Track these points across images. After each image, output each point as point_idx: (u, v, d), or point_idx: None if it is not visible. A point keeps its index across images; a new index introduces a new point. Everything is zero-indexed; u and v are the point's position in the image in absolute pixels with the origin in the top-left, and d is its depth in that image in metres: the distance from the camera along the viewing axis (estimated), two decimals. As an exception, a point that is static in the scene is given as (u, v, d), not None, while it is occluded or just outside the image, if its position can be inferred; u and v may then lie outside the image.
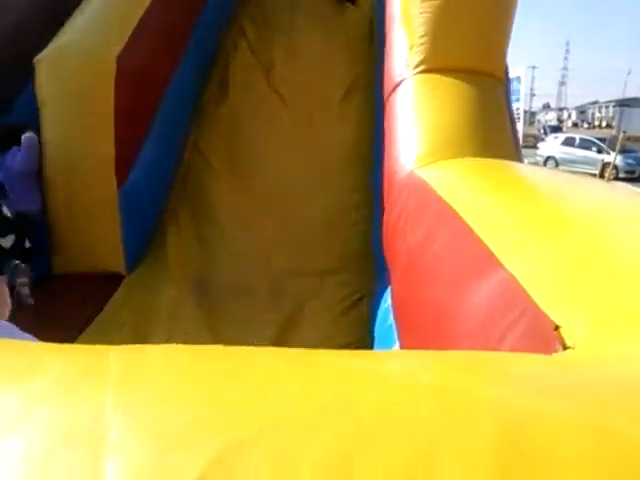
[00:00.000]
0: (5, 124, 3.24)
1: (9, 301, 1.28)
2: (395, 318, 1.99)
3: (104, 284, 3.21)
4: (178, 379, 0.59)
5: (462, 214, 1.68)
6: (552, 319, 0.92)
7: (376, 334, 2.51)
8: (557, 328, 0.88)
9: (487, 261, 1.31)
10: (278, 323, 3.08)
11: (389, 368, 0.64)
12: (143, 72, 3.13)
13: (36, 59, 2.95)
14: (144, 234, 3.51)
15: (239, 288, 3.31)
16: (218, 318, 3.09)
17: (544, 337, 0.90)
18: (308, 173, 3.85)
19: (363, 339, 2.78)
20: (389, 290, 2.36)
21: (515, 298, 1.08)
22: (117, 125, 2.98)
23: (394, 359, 0.71)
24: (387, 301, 2.35)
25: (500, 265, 1.25)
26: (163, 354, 0.64)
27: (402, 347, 1.81)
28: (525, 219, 1.53)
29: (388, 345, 2.07)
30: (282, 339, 2.97)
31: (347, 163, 3.91)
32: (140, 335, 2.88)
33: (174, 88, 3.49)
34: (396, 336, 1.96)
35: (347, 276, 3.33)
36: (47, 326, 2.78)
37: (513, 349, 0.98)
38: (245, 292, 3.28)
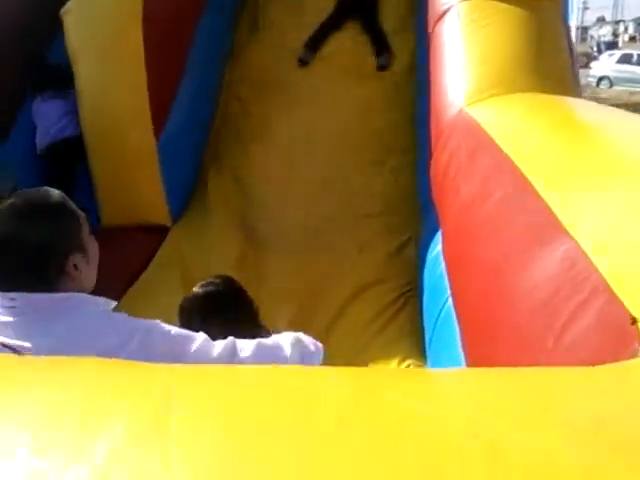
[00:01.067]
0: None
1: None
2: (447, 272, 1.90)
3: (150, 237, 3.24)
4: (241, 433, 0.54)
5: (519, 164, 1.54)
6: (627, 308, 0.82)
7: (426, 282, 2.44)
8: (635, 322, 0.78)
9: (550, 225, 1.19)
10: (323, 266, 3.04)
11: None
12: (170, 13, 2.97)
13: (62, 11, 2.84)
14: (186, 183, 3.49)
15: (283, 233, 3.27)
16: (264, 263, 3.08)
17: (617, 330, 0.80)
18: (349, 112, 3.67)
19: (413, 282, 2.73)
20: (439, 235, 2.25)
21: (583, 275, 0.97)
22: (149, 70, 2.88)
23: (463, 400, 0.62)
24: (437, 246, 2.26)
25: (565, 231, 1.13)
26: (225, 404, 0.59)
27: (455, 305, 1.73)
28: (590, 170, 1.38)
29: (439, 296, 2.00)
30: (326, 284, 2.95)
31: (389, 101, 3.70)
32: (187, 286, 2.91)
33: (203, 28, 3.33)
34: (448, 289, 1.88)
35: (394, 218, 3.23)
36: (98, 279, 2.90)
37: (579, 340, 0.88)
38: (289, 237, 3.24)
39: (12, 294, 0.99)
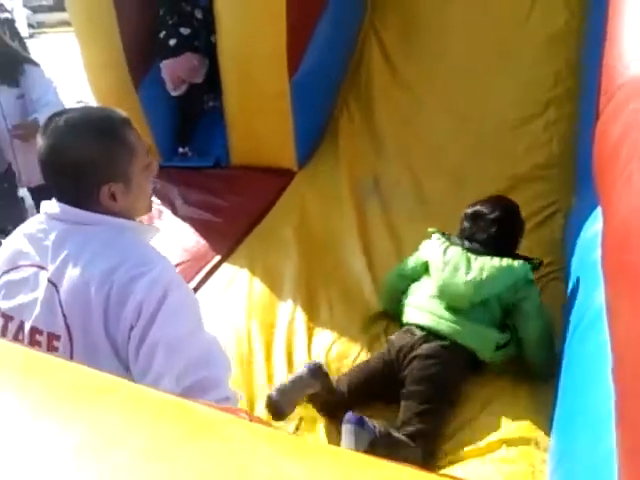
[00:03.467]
0: None
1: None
2: (604, 267, 1.55)
3: (276, 180, 3.20)
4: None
5: None
6: None
7: (575, 263, 2.07)
8: None
9: None
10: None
11: None
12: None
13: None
14: (315, 128, 3.37)
15: (412, 187, 3.04)
16: (392, 216, 2.90)
17: None
18: (496, 61, 3.26)
19: (557, 262, 2.39)
20: (598, 212, 1.88)
21: None
22: (289, 15, 2.74)
23: None
24: (593, 225, 1.90)
25: None
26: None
27: (611, 326, 1.39)
28: None
29: (591, 287, 1.65)
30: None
31: (546, 50, 3.21)
32: (305, 232, 2.84)
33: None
34: (602, 286, 1.54)
35: (541, 185, 2.84)
36: (222, 216, 2.96)
37: None
38: (418, 192, 3.01)
39: (58, 204, 1.04)
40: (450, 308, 1.91)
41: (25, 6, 22.54)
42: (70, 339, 0.99)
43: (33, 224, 1.09)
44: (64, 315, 0.99)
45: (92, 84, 3.66)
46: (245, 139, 3.28)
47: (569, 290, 1.96)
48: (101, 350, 0.98)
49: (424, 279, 2.05)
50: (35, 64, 2.91)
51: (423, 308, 1.96)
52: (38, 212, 3.16)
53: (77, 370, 0.61)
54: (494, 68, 3.26)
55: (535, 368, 1.88)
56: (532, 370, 1.89)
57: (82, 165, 1.01)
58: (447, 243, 2.02)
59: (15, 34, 8.82)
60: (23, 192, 3.32)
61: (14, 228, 2.61)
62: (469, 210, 2.08)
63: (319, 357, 2.04)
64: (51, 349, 0.99)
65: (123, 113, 1.08)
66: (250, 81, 3.06)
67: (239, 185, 3.23)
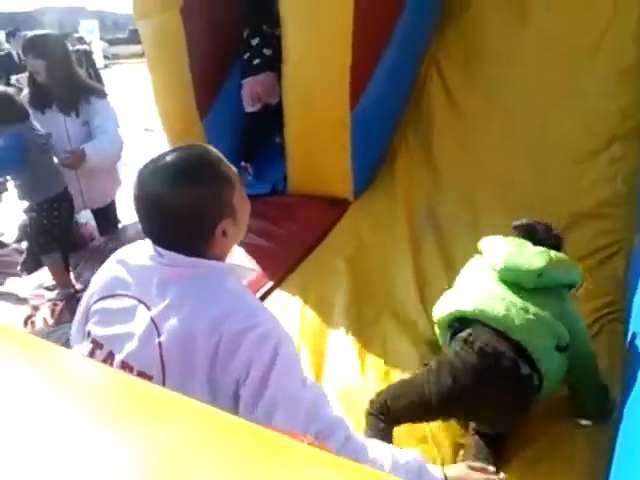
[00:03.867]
0: None
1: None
2: None
3: (332, 209, 3.25)
4: None
5: None
6: None
7: (635, 308, 1.99)
8: None
9: None
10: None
11: None
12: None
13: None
14: (373, 160, 3.41)
15: (469, 219, 3.01)
16: (448, 249, 2.86)
17: None
18: (562, 93, 3.21)
19: (618, 302, 2.30)
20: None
21: None
22: (354, 45, 2.81)
23: None
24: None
25: None
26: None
27: None
28: None
29: None
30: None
31: (614, 85, 3.14)
32: (361, 258, 2.85)
33: (412, 7, 3.11)
34: None
35: (604, 222, 2.75)
36: (277, 243, 3.01)
37: None
38: (475, 225, 2.96)
39: (160, 249, 1.03)
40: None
41: (102, 39, 24.14)
42: (163, 381, 0.97)
43: (134, 256, 1.09)
44: (162, 358, 0.97)
45: (160, 111, 3.85)
46: (303, 167, 3.35)
47: (630, 333, 1.88)
48: (196, 394, 0.94)
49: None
50: (101, 95, 3.06)
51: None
52: (101, 234, 3.27)
53: (148, 387, 0.64)
54: (559, 100, 3.21)
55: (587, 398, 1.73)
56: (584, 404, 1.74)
57: (196, 213, 1.00)
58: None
59: (91, 65, 9.44)
60: (86, 214, 3.50)
61: (59, 249, 2.72)
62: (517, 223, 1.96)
63: (370, 386, 2.01)
64: None
65: (213, 149, 1.09)
66: (312, 109, 3.15)
67: (295, 213, 3.29)
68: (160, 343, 0.97)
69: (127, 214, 3.66)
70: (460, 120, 3.43)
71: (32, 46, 2.86)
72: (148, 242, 1.07)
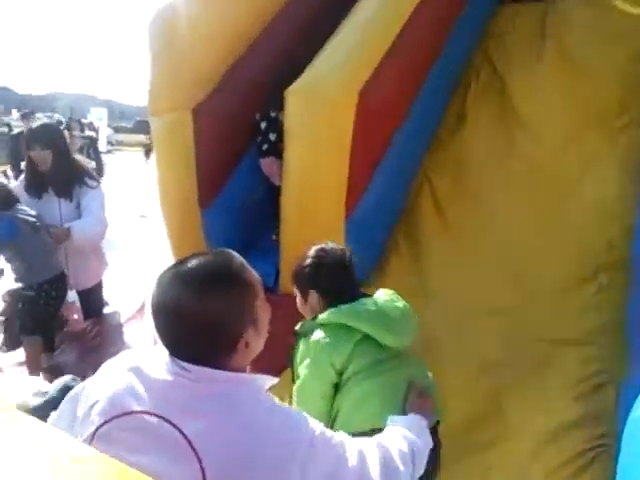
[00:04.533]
0: None
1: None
2: None
3: (321, 311, 3.23)
4: None
5: None
6: None
7: (625, 444, 1.96)
8: None
9: None
10: (496, 387, 2.70)
11: None
12: (382, 106, 3.06)
13: (287, 90, 3.08)
14: (364, 266, 3.44)
15: (457, 341, 3.00)
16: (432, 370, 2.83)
17: None
18: (547, 221, 3.35)
19: (608, 435, 2.25)
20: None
21: None
22: (352, 159, 2.96)
23: None
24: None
25: None
26: None
27: None
28: None
29: None
30: (498, 408, 2.59)
31: (599, 214, 3.29)
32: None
33: (411, 122, 3.34)
34: None
35: (590, 350, 2.76)
36: (267, 346, 2.95)
37: None
38: (464, 348, 2.96)
39: (184, 363, 0.96)
40: None
41: (109, 126, 25.23)
42: None
43: (149, 366, 1.00)
44: None
45: (162, 202, 3.94)
46: (296, 268, 3.38)
47: (620, 468, 1.83)
48: None
49: None
50: (93, 179, 3.20)
51: None
52: (85, 317, 3.20)
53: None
54: (545, 229, 3.33)
55: None
56: None
57: (219, 323, 0.96)
58: None
59: (95, 150, 9.83)
60: (72, 294, 3.47)
61: (41, 332, 2.63)
62: None
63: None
64: None
65: (235, 254, 1.06)
66: (307, 212, 3.24)
67: (283, 313, 3.26)
68: (203, 469, 0.87)
69: (113, 297, 3.62)
70: (449, 237, 3.54)
71: (38, 137, 3.02)
72: (163, 352, 1.00)
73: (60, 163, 3.01)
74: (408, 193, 3.79)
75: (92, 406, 0.99)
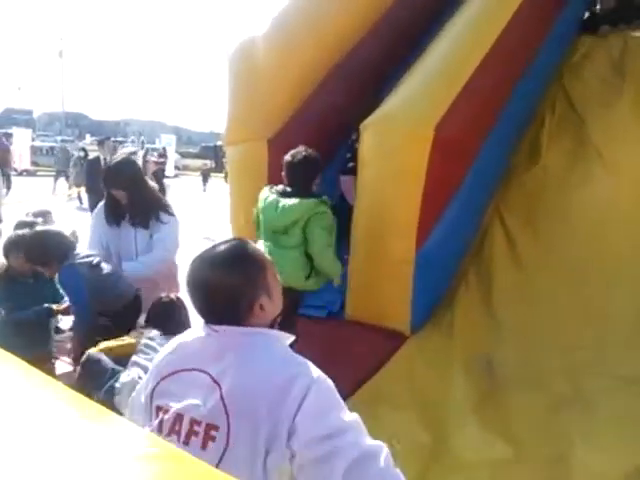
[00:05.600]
0: None
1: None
2: None
3: (387, 341, 3.24)
4: None
5: None
6: None
7: None
8: None
9: None
10: (567, 425, 2.61)
11: None
12: (457, 142, 3.08)
13: (363, 124, 3.17)
14: (432, 298, 3.44)
15: (527, 378, 2.93)
16: (502, 407, 2.78)
17: None
18: (626, 253, 3.24)
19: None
20: None
21: None
22: (425, 192, 2.99)
23: None
24: None
25: None
26: None
27: None
28: None
29: None
30: (570, 447, 2.50)
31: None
32: (415, 405, 2.78)
33: (484, 157, 3.35)
34: None
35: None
36: (333, 364, 2.98)
37: None
38: (534, 384, 2.89)
39: (214, 326, 1.26)
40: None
41: (176, 151, 26.44)
42: (228, 427, 1.16)
43: (189, 337, 1.34)
44: (225, 408, 1.17)
45: (234, 227, 4.09)
46: (363, 296, 3.41)
47: None
48: (260, 432, 1.14)
49: None
50: (168, 214, 3.28)
51: None
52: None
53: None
54: (620, 262, 3.23)
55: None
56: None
57: (240, 292, 1.25)
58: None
59: (162, 176, 10.22)
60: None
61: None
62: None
63: None
64: (208, 438, 1.17)
65: (249, 241, 1.36)
66: (378, 243, 3.28)
67: (349, 340, 3.30)
68: (222, 396, 1.17)
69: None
70: (521, 272, 3.48)
71: (113, 179, 3.17)
72: (199, 325, 1.32)
73: (137, 198, 3.17)
74: (479, 226, 3.77)
75: (150, 372, 1.38)
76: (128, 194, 3.13)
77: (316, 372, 1.21)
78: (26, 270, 3.05)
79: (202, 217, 11.01)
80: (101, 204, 3.39)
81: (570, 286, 3.30)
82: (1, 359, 0.89)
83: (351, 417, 1.19)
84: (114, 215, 3.22)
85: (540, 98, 3.99)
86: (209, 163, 25.54)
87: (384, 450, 1.18)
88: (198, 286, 1.27)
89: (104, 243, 3.25)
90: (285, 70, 3.88)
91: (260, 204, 3.09)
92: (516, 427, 2.55)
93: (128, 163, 3.32)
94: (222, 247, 1.29)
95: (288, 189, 3.02)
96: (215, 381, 1.19)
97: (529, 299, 3.32)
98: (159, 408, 1.26)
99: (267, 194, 3.08)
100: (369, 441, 1.18)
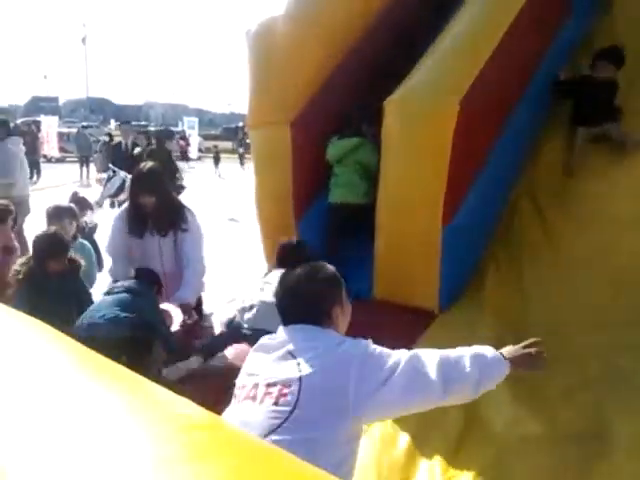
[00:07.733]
0: None
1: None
2: None
3: (416, 320, 3.23)
4: None
5: None
6: None
7: None
8: None
9: None
10: (602, 400, 2.58)
11: None
12: (483, 115, 3.01)
13: (386, 100, 3.12)
14: (461, 275, 3.41)
15: (559, 354, 2.89)
16: (534, 383, 2.74)
17: None
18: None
19: None
20: None
21: None
22: (450, 167, 2.94)
23: None
24: None
25: None
26: None
27: None
28: None
29: None
30: (601, 423, 2.47)
31: None
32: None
33: (511, 131, 3.27)
34: None
35: None
36: None
37: None
38: (566, 360, 2.86)
39: (299, 325, 1.55)
40: None
41: (199, 134, 26.45)
42: (299, 388, 1.41)
43: (273, 338, 1.60)
44: (299, 378, 1.43)
45: (259, 210, 4.11)
46: (391, 276, 3.41)
47: None
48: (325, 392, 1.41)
49: None
50: (187, 223, 3.27)
51: None
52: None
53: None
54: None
55: None
56: None
57: (323, 302, 1.59)
58: None
59: (186, 159, 10.17)
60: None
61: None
62: None
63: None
64: (281, 396, 1.41)
65: (328, 265, 1.67)
66: (404, 222, 3.26)
67: (378, 320, 3.30)
68: (298, 363, 1.45)
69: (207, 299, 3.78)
70: (551, 248, 3.41)
71: (143, 184, 3.19)
72: (280, 330, 1.59)
73: (162, 206, 3.20)
74: (507, 201, 3.71)
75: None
76: (157, 200, 3.15)
77: (372, 346, 1.50)
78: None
79: (228, 199, 11.10)
80: (123, 208, 3.41)
81: (604, 261, 3.23)
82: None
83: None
84: (138, 226, 3.23)
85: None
86: (221, 145, 25.25)
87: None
88: (291, 295, 1.59)
89: (126, 251, 3.28)
90: (306, 50, 3.83)
91: None
92: (549, 403, 2.53)
93: (156, 170, 3.34)
94: (311, 267, 1.64)
95: None
96: (292, 354, 1.47)
97: (561, 275, 3.26)
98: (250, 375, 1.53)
99: None
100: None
